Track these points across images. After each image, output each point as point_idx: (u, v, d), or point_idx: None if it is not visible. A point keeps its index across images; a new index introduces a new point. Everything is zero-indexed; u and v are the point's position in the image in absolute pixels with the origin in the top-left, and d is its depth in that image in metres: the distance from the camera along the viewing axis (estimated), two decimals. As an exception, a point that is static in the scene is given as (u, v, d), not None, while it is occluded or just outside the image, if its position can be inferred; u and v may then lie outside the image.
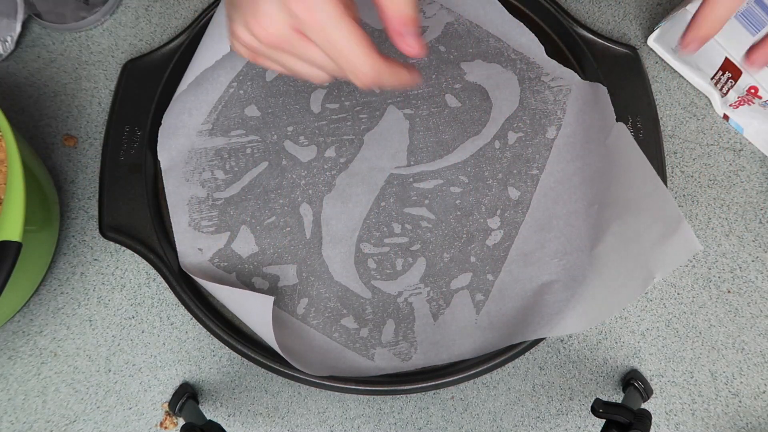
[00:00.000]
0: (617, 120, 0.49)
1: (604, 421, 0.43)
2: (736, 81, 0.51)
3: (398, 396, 0.50)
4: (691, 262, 0.52)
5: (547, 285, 0.49)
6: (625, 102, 0.51)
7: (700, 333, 0.51)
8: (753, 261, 0.52)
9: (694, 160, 0.54)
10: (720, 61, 0.51)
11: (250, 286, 0.50)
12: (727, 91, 0.52)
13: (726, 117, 0.54)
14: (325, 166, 0.51)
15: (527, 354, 0.49)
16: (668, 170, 0.53)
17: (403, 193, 0.51)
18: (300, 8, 0.27)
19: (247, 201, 0.51)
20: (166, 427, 0.49)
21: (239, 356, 0.49)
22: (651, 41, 0.55)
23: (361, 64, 0.28)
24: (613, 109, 0.50)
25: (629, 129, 0.51)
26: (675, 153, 0.54)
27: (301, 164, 0.52)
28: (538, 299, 0.49)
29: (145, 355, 0.50)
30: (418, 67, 0.53)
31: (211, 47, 0.50)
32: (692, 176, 0.53)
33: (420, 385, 0.48)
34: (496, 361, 0.47)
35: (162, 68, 0.53)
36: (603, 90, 0.51)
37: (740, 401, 0.50)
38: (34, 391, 0.50)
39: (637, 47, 0.54)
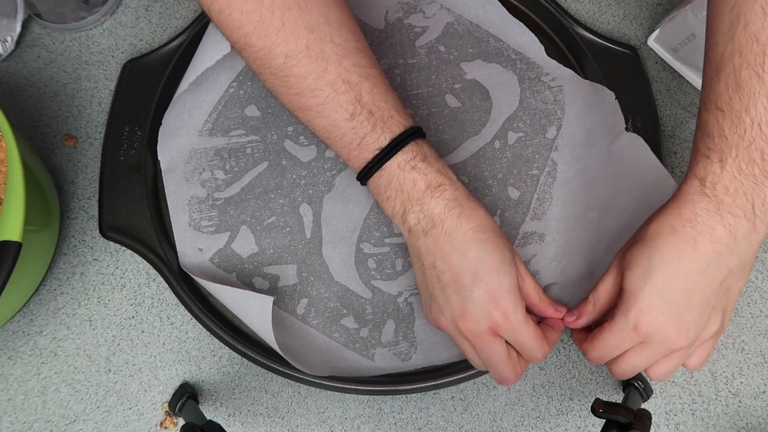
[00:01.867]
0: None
1: (604, 421, 0.43)
2: (736, 81, 0.51)
3: (398, 396, 0.50)
4: (691, 262, 0.52)
5: (546, 287, 0.49)
6: (625, 102, 0.51)
7: (700, 333, 0.51)
8: (753, 261, 0.52)
9: (694, 160, 0.54)
10: (720, 61, 0.51)
11: (250, 286, 0.50)
12: (727, 91, 0.52)
13: (726, 117, 0.54)
14: (325, 166, 0.51)
15: (527, 354, 0.49)
16: (668, 170, 0.53)
17: (403, 193, 0.51)
18: (499, 316, 0.40)
19: (247, 201, 0.51)
20: (166, 427, 0.49)
21: (239, 356, 0.49)
22: (651, 41, 0.55)
23: (537, 353, 0.41)
24: (622, 116, 0.50)
25: (629, 129, 0.51)
26: (675, 153, 0.54)
27: (301, 164, 0.52)
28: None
29: (145, 355, 0.50)
30: (419, 67, 0.53)
31: (211, 47, 0.50)
32: (692, 176, 0.53)
33: (420, 385, 0.48)
34: (496, 361, 0.47)
35: (162, 68, 0.53)
36: (610, 94, 0.51)
37: (740, 401, 0.50)
38: (34, 391, 0.50)
39: (637, 47, 0.54)
